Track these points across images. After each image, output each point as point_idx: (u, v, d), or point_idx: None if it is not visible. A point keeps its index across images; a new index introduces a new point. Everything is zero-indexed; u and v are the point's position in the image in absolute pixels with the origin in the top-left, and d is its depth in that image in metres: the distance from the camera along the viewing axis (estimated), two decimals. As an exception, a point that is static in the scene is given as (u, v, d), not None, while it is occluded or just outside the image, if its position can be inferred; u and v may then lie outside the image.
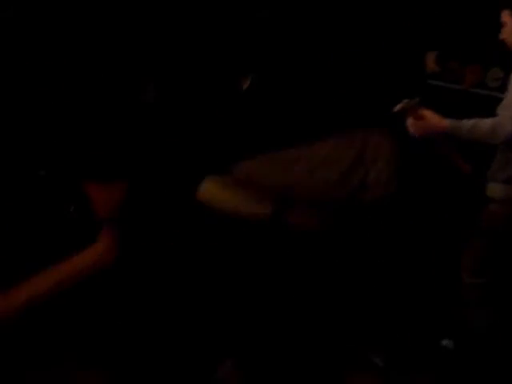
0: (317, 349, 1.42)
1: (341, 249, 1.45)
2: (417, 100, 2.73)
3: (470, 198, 3.13)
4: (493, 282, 2.93)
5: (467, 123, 2.74)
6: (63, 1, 2.80)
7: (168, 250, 1.35)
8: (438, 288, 3.45)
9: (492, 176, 3.01)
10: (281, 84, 1.36)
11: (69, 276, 1.62)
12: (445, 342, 3.25)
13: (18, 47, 3.70)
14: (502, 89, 3.25)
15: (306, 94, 1.39)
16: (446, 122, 2.74)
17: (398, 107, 2.56)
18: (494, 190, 2.99)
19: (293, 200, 1.44)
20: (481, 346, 2.90)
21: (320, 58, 1.44)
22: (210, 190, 1.42)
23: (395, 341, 3.05)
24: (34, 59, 3.63)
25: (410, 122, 2.64)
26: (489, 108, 2.99)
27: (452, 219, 3.47)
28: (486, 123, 2.78)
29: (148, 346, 1.31)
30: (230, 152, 1.38)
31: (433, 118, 2.70)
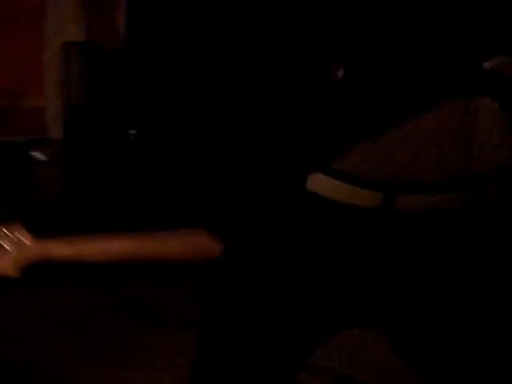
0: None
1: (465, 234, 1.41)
2: None
3: None
4: None
5: None
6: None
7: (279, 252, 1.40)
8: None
9: None
10: (377, 66, 1.24)
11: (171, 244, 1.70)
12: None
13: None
14: None
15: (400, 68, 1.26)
16: None
17: (489, 64, 2.28)
18: None
19: (401, 185, 1.33)
20: None
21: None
22: (315, 185, 1.35)
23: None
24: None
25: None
26: None
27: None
28: None
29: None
30: (330, 146, 1.34)
31: None
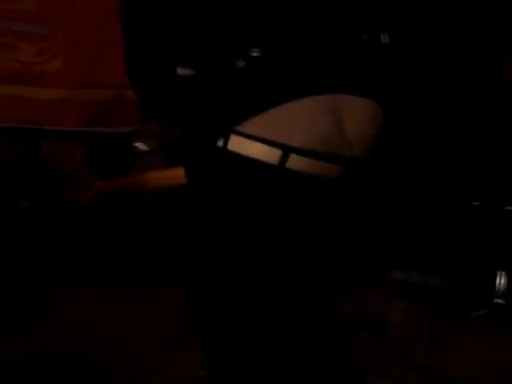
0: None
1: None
2: None
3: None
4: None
5: None
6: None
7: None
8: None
9: None
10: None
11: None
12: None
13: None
14: None
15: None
16: None
17: None
18: None
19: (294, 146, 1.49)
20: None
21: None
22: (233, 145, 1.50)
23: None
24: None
25: None
26: None
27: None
28: None
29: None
30: (240, 114, 1.49)
31: None
